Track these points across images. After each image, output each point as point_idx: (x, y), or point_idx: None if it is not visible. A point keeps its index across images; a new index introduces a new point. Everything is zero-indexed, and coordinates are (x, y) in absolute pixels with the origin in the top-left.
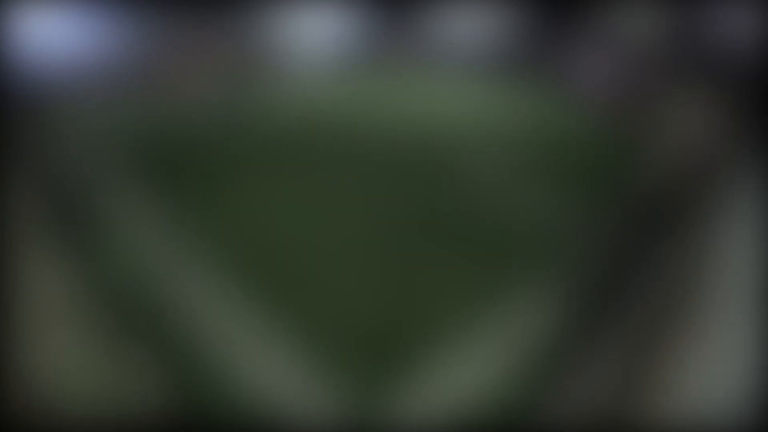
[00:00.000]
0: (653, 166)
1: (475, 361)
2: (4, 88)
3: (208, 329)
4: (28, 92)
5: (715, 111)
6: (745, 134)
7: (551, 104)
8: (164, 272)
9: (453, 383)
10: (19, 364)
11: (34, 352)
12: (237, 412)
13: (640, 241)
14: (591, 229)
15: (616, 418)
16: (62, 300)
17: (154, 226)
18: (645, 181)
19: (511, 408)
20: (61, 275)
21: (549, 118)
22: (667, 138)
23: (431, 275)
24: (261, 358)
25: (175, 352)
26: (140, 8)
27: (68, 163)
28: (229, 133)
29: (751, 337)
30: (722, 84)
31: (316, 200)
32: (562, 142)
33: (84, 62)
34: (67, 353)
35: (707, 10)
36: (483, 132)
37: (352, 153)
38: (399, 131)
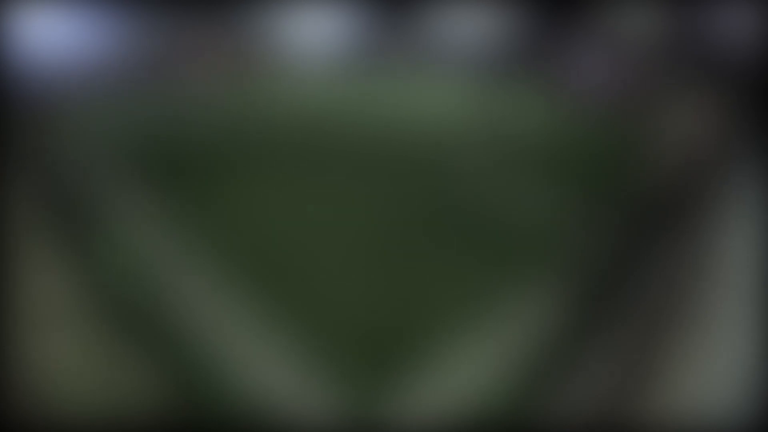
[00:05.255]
0: (653, 166)
1: (475, 361)
2: (5, 89)
3: (208, 329)
4: (28, 92)
5: (715, 111)
6: (744, 134)
7: (551, 104)
8: (165, 273)
9: (453, 383)
10: (19, 364)
11: (34, 352)
12: (237, 412)
13: (640, 240)
14: (591, 229)
15: (616, 417)
16: (62, 300)
17: (156, 226)
18: (645, 181)
19: (511, 408)
20: (61, 275)
21: (548, 118)
22: (666, 138)
23: (431, 275)
24: (261, 358)
25: (175, 353)
26: (141, 8)
27: (69, 163)
28: (231, 134)
29: (751, 337)
30: (722, 84)
31: (316, 200)
32: (562, 142)
33: (84, 62)
34: (67, 353)
35: (707, 10)
36: (482, 132)
37: (352, 153)
38: (400, 131)
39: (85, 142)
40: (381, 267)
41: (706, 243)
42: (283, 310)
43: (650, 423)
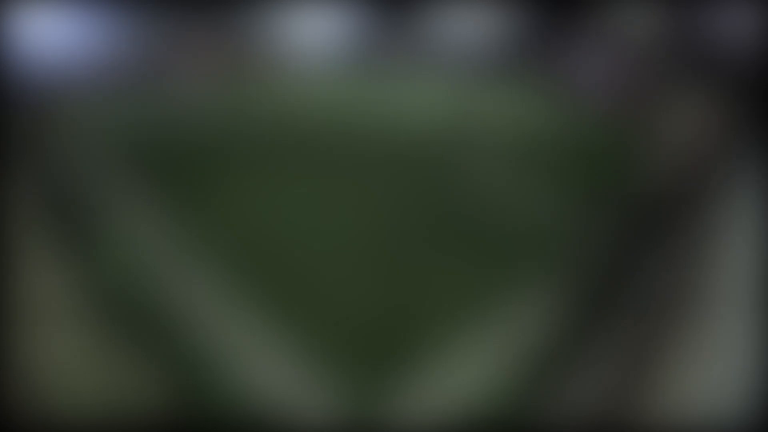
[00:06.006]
0: (653, 166)
1: (475, 361)
2: (5, 89)
3: (207, 329)
4: (28, 92)
5: (715, 111)
6: (744, 134)
7: (551, 104)
8: (164, 272)
9: (453, 383)
10: (19, 364)
11: (34, 352)
12: (237, 412)
13: (640, 240)
14: (591, 230)
15: (616, 418)
16: (62, 300)
17: (155, 225)
18: (645, 181)
19: (511, 408)
20: (61, 275)
21: (549, 118)
22: (666, 138)
23: (431, 274)
24: (261, 358)
25: (174, 352)
26: (140, 8)
27: (68, 163)
28: (230, 133)
29: (751, 337)
30: (722, 84)
31: (316, 200)
32: (562, 143)
33: (84, 62)
34: (67, 353)
35: (706, 10)
36: (482, 132)
37: (351, 153)
38: (399, 131)
39: (86, 141)
40: (381, 266)
41: (707, 242)
42: (283, 309)
43: (650, 423)
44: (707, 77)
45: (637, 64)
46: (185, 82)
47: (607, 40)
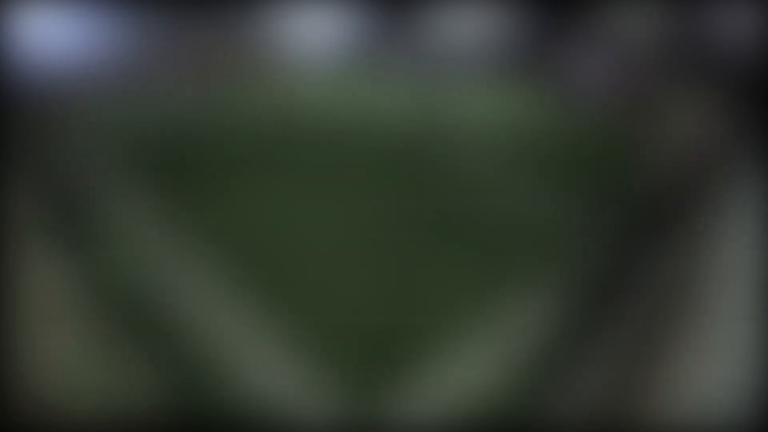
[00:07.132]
0: (653, 167)
1: (476, 361)
2: (4, 88)
3: (207, 329)
4: (28, 92)
5: (715, 111)
6: (744, 134)
7: (551, 104)
8: (165, 272)
9: (453, 383)
10: (19, 364)
11: (34, 352)
12: (237, 412)
13: (641, 240)
14: (591, 229)
15: (616, 417)
16: (63, 299)
17: (155, 226)
18: (645, 181)
19: (511, 408)
20: (61, 275)
21: (548, 117)
22: (666, 138)
23: (431, 275)
24: (261, 358)
25: (174, 352)
26: (141, 8)
27: (69, 163)
28: (230, 133)
29: (751, 337)
30: (722, 84)
31: (316, 199)
32: (562, 142)
33: (84, 61)
34: (67, 353)
35: (707, 10)
36: (482, 132)
37: (351, 152)
38: (399, 131)
39: (86, 141)
40: (381, 267)
41: (707, 242)
42: (283, 309)
43: (650, 423)
44: (707, 77)
45: (637, 65)
46: (185, 82)
47: (607, 40)
